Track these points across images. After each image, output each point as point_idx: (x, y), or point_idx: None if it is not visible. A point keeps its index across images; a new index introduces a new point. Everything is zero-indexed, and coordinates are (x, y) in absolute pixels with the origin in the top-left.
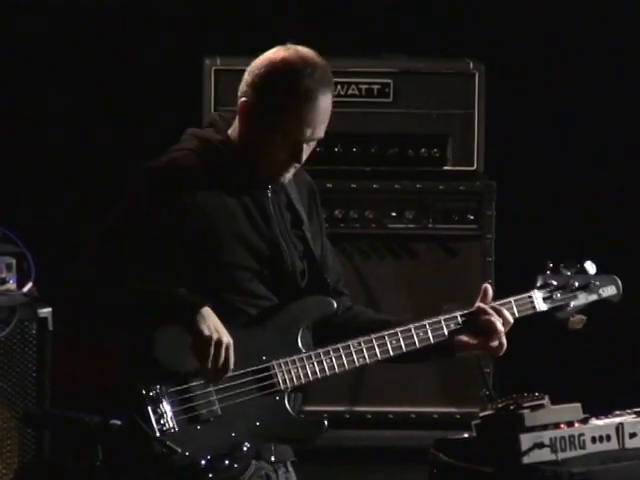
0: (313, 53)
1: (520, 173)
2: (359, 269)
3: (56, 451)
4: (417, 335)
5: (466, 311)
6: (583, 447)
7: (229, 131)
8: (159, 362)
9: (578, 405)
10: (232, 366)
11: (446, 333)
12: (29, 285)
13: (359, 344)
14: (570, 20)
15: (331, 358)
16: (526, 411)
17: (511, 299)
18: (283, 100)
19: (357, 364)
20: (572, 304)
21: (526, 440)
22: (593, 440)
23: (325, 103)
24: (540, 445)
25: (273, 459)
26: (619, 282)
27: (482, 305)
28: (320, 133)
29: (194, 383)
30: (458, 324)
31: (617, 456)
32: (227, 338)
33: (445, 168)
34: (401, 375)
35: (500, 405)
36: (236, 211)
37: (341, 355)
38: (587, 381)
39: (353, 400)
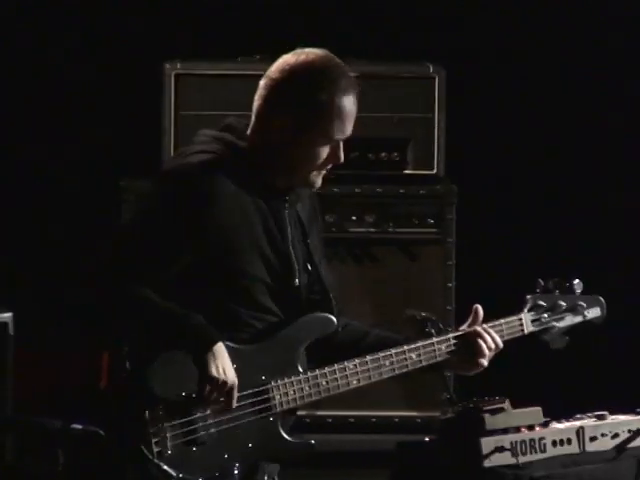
0: (329, 53)
1: (480, 176)
2: None
3: (18, 456)
4: (409, 358)
5: (459, 333)
6: (544, 451)
7: (247, 133)
8: (164, 381)
9: (538, 409)
10: (234, 406)
11: (438, 356)
12: None
13: (354, 366)
14: (530, 22)
15: (327, 381)
16: (487, 415)
17: (502, 321)
18: (326, 104)
19: (350, 387)
20: (558, 325)
21: (487, 444)
22: (554, 444)
23: (356, 100)
24: (501, 449)
25: (266, 478)
26: (604, 303)
27: (478, 329)
28: (351, 128)
29: (194, 406)
30: (450, 346)
31: (578, 460)
32: (232, 380)
33: (405, 172)
34: None
35: (461, 409)
36: (255, 221)
37: (336, 378)
38: (548, 385)
39: (314, 404)
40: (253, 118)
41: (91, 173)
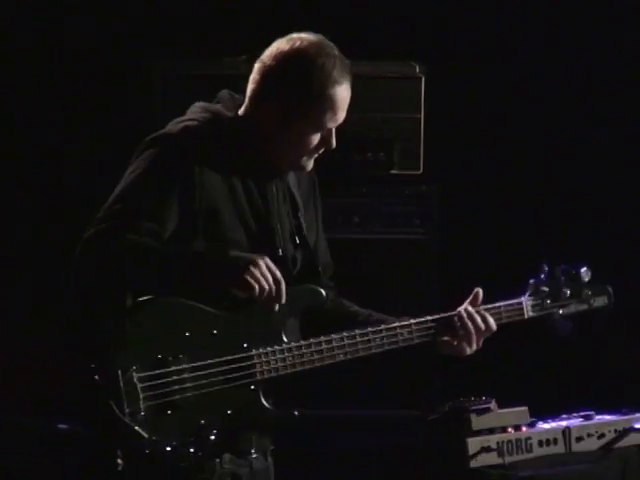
0: (324, 39)
1: (466, 177)
2: None
3: (1, 454)
4: (401, 335)
5: (451, 312)
6: (530, 451)
7: (240, 112)
8: (139, 343)
9: (525, 409)
10: (283, 300)
11: (429, 335)
12: None
13: (342, 339)
14: (515, 23)
15: (312, 352)
16: (473, 415)
17: (500, 304)
18: (317, 96)
19: (336, 360)
20: (561, 312)
21: (473, 444)
22: (540, 444)
23: (349, 86)
24: (487, 449)
25: (253, 451)
26: (611, 292)
27: (467, 308)
28: (344, 114)
29: (171, 368)
30: (442, 325)
31: (564, 460)
32: (279, 275)
33: (391, 172)
34: (346, 377)
35: (447, 409)
36: (238, 190)
37: (322, 350)
38: (534, 385)
39: (297, 402)
40: (246, 100)
41: (76, 173)
